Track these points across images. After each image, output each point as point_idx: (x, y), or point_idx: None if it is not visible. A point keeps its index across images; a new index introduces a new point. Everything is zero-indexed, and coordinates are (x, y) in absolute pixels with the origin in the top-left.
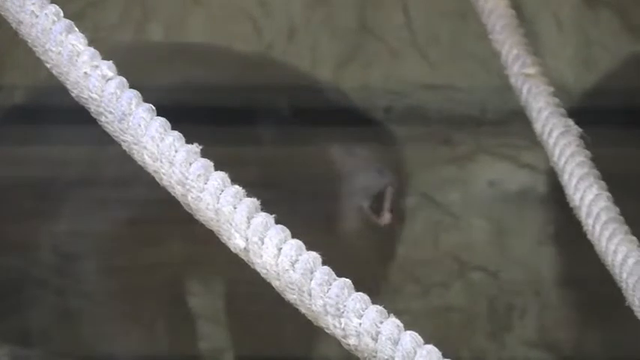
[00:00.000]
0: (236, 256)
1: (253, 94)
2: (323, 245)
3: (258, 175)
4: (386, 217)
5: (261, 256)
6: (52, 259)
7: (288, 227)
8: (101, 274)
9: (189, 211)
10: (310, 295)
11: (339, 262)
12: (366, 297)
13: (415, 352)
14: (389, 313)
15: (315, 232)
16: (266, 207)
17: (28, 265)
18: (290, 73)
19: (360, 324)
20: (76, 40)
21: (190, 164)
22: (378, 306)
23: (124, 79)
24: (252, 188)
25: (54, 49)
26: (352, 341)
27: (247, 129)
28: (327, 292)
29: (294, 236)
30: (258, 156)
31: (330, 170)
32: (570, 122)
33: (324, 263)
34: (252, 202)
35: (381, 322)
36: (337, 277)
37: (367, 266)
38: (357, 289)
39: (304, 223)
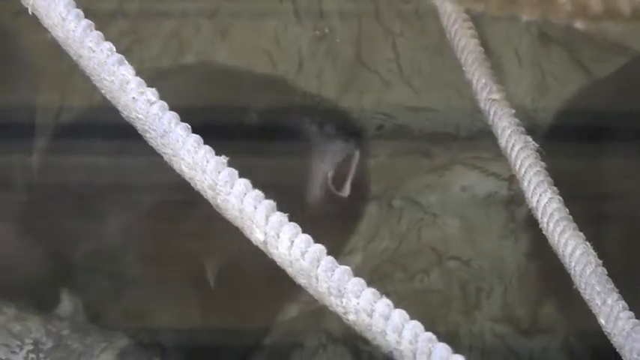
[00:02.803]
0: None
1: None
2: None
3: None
4: (346, 190)
5: (277, 247)
6: (102, 250)
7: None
8: (142, 260)
9: (218, 211)
10: (317, 279)
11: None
12: (362, 281)
13: (403, 326)
14: (381, 294)
15: (290, 200)
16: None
17: (84, 254)
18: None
19: (358, 303)
20: (126, 71)
21: (219, 172)
22: (372, 289)
23: (165, 103)
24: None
25: (108, 78)
26: (351, 317)
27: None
28: (331, 277)
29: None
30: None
31: (303, 143)
32: (529, 139)
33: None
34: (270, 203)
35: (375, 302)
36: (339, 265)
37: (331, 232)
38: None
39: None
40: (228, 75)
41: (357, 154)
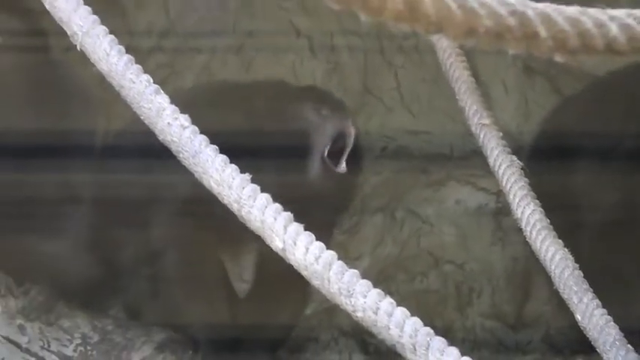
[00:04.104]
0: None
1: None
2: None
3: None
4: (342, 166)
5: (294, 253)
6: (143, 255)
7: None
8: (176, 265)
9: (243, 222)
10: (329, 281)
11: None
12: (369, 282)
13: (404, 322)
14: (385, 294)
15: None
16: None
17: (126, 259)
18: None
19: (365, 302)
20: (162, 100)
21: (243, 188)
22: (377, 289)
23: (196, 128)
24: None
25: (146, 105)
26: (359, 314)
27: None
28: (341, 279)
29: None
30: None
31: (301, 124)
32: (514, 158)
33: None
34: (288, 215)
35: (380, 301)
36: (348, 269)
37: (328, 208)
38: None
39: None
40: (228, 88)
41: (352, 131)
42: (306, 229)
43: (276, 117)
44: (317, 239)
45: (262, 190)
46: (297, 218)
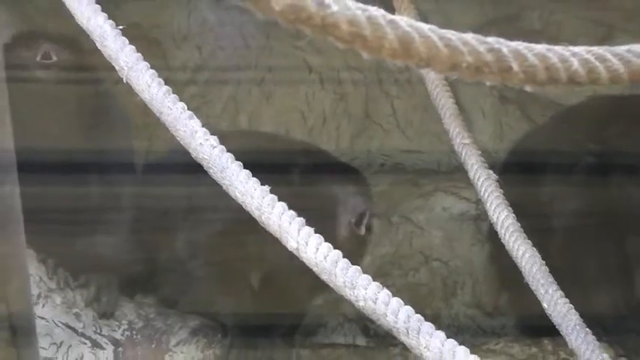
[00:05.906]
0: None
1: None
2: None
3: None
4: (362, 230)
5: (306, 252)
6: (178, 255)
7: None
8: (208, 264)
9: (263, 226)
10: (336, 276)
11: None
12: (369, 277)
13: (399, 310)
14: (383, 287)
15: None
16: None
17: (164, 258)
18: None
19: (366, 293)
20: (195, 124)
21: (264, 198)
22: (376, 282)
23: (224, 147)
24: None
25: (182, 129)
26: (361, 303)
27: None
28: (346, 274)
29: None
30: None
31: (331, 199)
32: (491, 172)
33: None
34: (301, 220)
35: (378, 292)
36: (352, 265)
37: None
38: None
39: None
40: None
41: (370, 209)
42: None
43: (308, 186)
44: None
45: None
46: None
